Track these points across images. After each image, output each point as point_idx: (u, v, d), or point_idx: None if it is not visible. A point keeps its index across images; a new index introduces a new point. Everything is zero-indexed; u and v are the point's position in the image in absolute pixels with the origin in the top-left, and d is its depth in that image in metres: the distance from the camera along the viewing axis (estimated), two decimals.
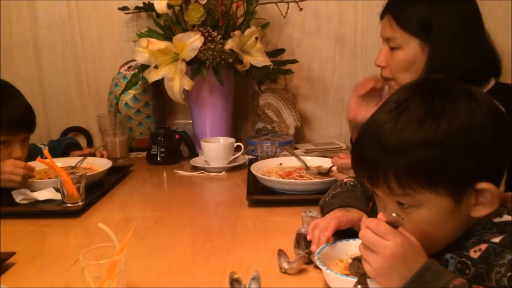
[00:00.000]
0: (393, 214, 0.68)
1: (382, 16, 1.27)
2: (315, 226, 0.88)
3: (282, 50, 1.78)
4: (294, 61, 1.75)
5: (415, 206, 0.72)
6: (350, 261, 0.79)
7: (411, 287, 0.65)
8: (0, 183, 1.25)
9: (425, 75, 1.16)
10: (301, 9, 1.65)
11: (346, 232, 0.89)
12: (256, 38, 1.62)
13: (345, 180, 1.02)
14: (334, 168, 1.26)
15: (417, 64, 1.19)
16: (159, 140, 1.63)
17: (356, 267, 0.76)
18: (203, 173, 1.52)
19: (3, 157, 1.31)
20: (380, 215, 0.69)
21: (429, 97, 0.71)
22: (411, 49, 1.19)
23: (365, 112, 1.25)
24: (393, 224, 0.67)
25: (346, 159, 1.16)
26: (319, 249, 0.82)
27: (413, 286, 0.64)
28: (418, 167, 0.69)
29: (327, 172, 1.30)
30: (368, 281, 0.69)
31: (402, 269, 0.65)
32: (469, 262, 0.71)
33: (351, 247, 0.84)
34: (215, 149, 1.54)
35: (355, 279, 0.70)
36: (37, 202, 1.24)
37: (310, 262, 0.87)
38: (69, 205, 1.19)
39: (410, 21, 1.19)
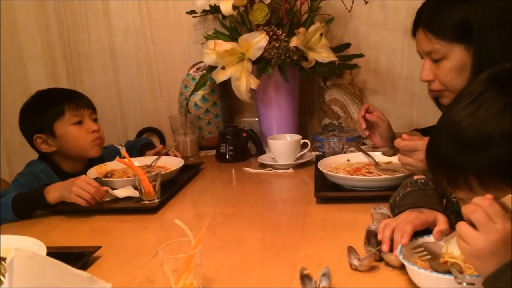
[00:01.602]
0: (502, 199, 0.66)
1: (414, 32, 1.21)
2: (385, 225, 0.86)
3: (347, 45, 1.75)
4: (360, 55, 1.72)
5: None
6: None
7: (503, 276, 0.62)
8: (70, 196, 1.22)
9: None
10: (366, 2, 1.62)
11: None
12: (321, 34, 1.61)
13: (415, 178, 1.00)
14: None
15: (467, 68, 1.12)
16: (227, 139, 1.68)
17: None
18: (270, 170, 1.55)
19: (83, 134, 1.43)
20: (488, 195, 0.66)
21: (505, 89, 0.68)
22: (457, 56, 1.13)
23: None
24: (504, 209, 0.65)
25: (409, 141, 1.12)
26: (399, 249, 0.81)
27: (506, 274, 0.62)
28: (500, 163, 0.66)
29: (394, 153, 1.27)
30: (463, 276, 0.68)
31: (502, 256, 0.63)
32: None
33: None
34: (282, 146, 1.55)
35: (447, 276, 0.69)
36: (118, 199, 1.32)
37: (381, 259, 0.86)
38: (146, 202, 1.26)
39: (447, 29, 1.12)
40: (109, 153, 1.60)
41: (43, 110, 1.43)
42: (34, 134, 1.43)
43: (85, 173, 1.41)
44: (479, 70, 1.07)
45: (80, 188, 1.22)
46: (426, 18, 1.17)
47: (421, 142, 1.09)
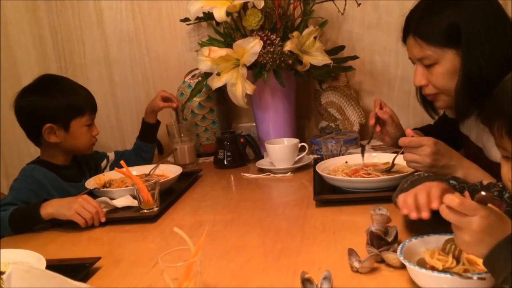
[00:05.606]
0: (482, 193, 0.68)
1: (404, 38, 1.21)
2: (405, 197, 0.85)
3: (342, 47, 1.76)
4: (355, 57, 1.72)
5: None
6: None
7: (501, 251, 0.64)
8: (69, 213, 1.20)
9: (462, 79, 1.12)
10: (359, 4, 1.63)
11: (417, 229, 0.87)
12: (315, 38, 1.62)
13: (415, 174, 1.00)
14: (400, 162, 1.23)
15: (459, 71, 1.13)
16: (225, 145, 1.67)
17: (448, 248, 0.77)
18: (269, 174, 1.54)
19: (89, 136, 1.51)
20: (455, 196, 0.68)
21: None
22: (449, 60, 1.13)
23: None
24: (483, 202, 0.67)
25: (414, 137, 1.10)
26: (400, 247, 0.80)
27: (505, 249, 0.64)
28: None
29: (389, 169, 1.27)
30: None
31: (489, 241, 0.65)
32: None
33: (428, 243, 0.82)
34: (280, 150, 1.55)
35: (448, 275, 0.70)
36: (117, 209, 1.32)
37: (382, 260, 0.86)
38: (145, 211, 1.26)
39: (437, 34, 1.13)
40: (97, 158, 1.67)
41: (66, 104, 1.46)
42: (47, 122, 1.44)
43: (73, 166, 1.54)
44: (467, 74, 1.10)
45: (82, 207, 1.20)
46: (415, 25, 1.17)
47: (426, 138, 1.08)
